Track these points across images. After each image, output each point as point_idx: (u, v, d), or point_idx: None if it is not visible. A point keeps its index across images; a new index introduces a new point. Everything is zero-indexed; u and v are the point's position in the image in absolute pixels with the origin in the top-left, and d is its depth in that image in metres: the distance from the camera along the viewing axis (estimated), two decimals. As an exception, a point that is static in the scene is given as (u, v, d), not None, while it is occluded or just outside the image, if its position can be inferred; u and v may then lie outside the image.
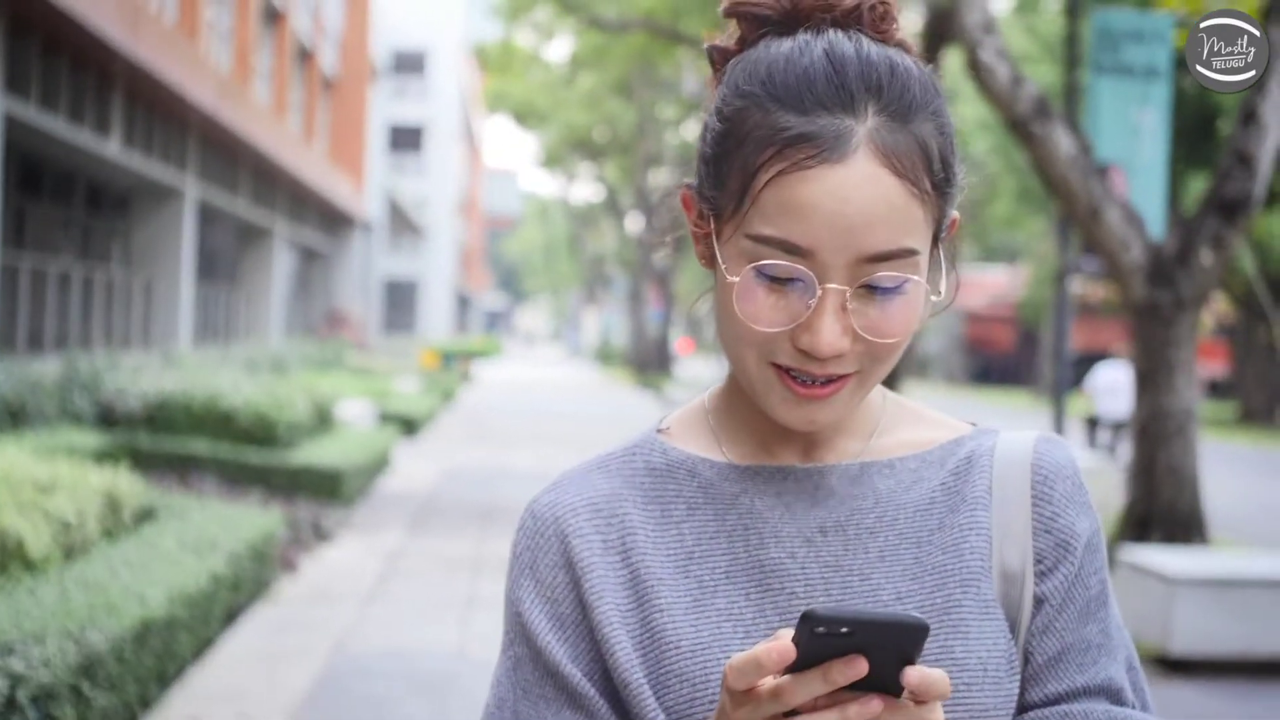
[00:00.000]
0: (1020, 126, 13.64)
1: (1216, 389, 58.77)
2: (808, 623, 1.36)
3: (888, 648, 1.38)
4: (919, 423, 1.82)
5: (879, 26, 1.65)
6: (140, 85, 23.97)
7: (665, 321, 65.94)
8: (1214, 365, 58.59)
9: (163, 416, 17.15)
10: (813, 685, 1.38)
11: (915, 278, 1.56)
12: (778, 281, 1.55)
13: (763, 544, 1.69)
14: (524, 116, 57.11)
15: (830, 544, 1.69)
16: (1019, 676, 1.68)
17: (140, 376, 18.62)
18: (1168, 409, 13.61)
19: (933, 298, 1.63)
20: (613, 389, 56.11)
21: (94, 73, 22.47)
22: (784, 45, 1.63)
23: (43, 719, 6.39)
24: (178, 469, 16.07)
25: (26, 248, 23.93)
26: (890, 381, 18.63)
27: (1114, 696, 1.70)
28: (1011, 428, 1.80)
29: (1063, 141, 13.53)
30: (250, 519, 11.92)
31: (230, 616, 10.56)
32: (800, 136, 1.54)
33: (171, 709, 8.28)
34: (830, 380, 1.60)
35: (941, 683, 1.40)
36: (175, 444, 16.52)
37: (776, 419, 1.65)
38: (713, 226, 1.64)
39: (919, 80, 1.62)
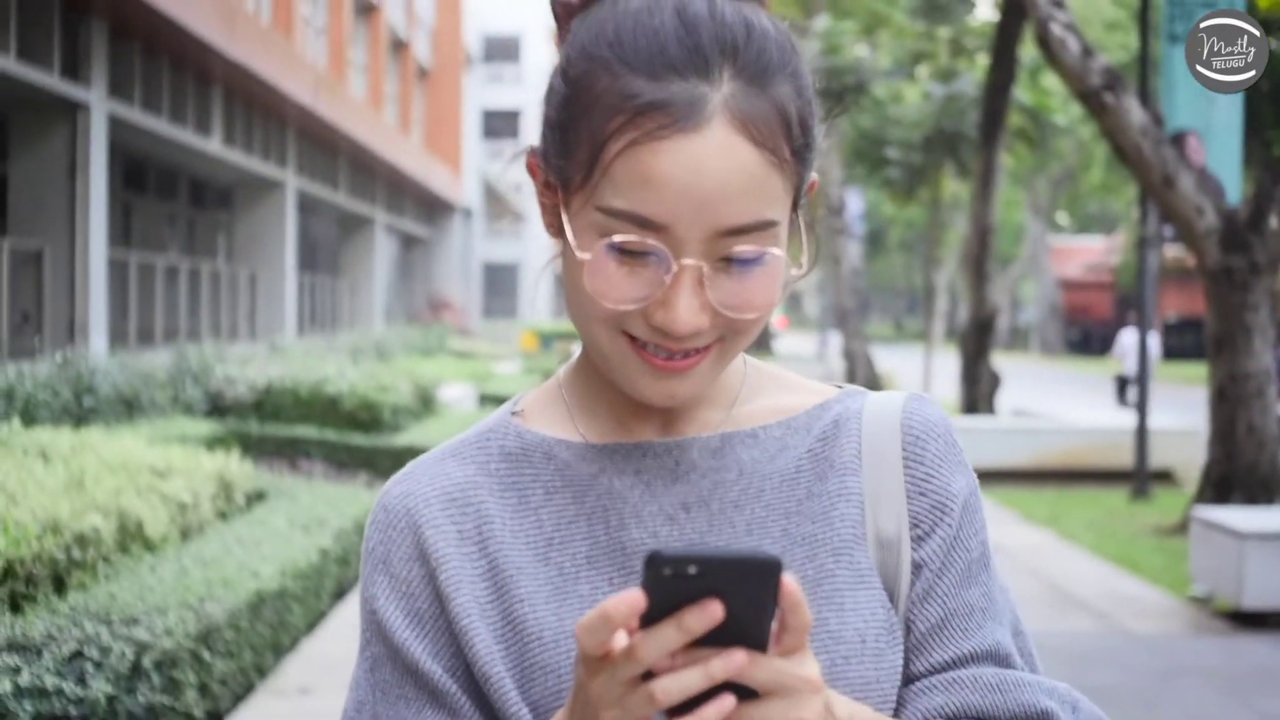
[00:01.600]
0: (1092, 98, 13.94)
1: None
2: (653, 565, 1.29)
3: (743, 590, 1.30)
4: (783, 389, 1.75)
5: None
6: (238, 83, 24.63)
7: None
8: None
9: (270, 403, 17.74)
10: (667, 636, 1.29)
11: (775, 250, 1.50)
12: (630, 255, 1.48)
13: (624, 525, 1.63)
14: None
15: (694, 520, 1.63)
16: (901, 647, 1.61)
17: (248, 366, 19.25)
18: (1246, 371, 13.91)
19: (793, 271, 1.56)
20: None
21: (193, 72, 23.12)
22: (633, 1, 1.54)
23: (165, 682, 6.91)
24: (286, 454, 16.61)
25: (134, 244, 24.65)
26: (980, 353, 18.90)
27: (1002, 661, 1.63)
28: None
29: (1134, 112, 13.82)
30: (356, 498, 12.46)
31: (339, 592, 11.09)
32: (652, 104, 1.46)
33: (286, 677, 8.81)
34: (689, 354, 1.54)
35: (805, 612, 1.32)
36: (283, 430, 17.07)
37: (634, 395, 1.59)
38: (560, 196, 1.58)
39: (776, 40, 1.54)
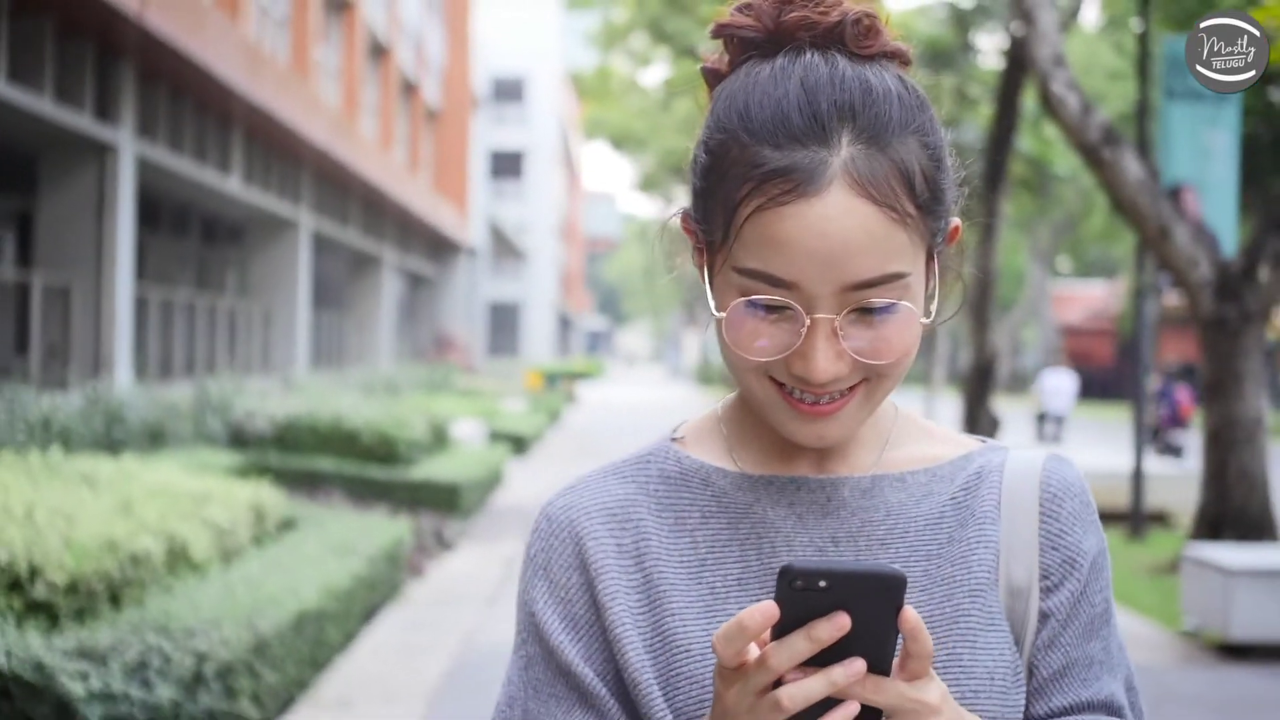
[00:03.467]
0: (1091, 153, 14.40)
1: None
2: (786, 577, 1.39)
3: (869, 604, 1.40)
4: (929, 438, 1.84)
5: (862, 42, 1.65)
6: (259, 125, 25.15)
7: (764, 341, 66.21)
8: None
9: (290, 436, 18.20)
10: (798, 646, 1.40)
11: (905, 303, 1.58)
12: (768, 310, 1.58)
13: (775, 553, 1.71)
14: (621, 142, 57.50)
15: (842, 554, 1.71)
16: (1024, 689, 1.71)
17: (267, 400, 19.75)
18: (1238, 417, 14.37)
19: (922, 320, 1.62)
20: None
21: (215, 114, 23.68)
22: (763, 72, 1.63)
23: (224, 690, 7.42)
24: (306, 485, 17.06)
25: (153, 280, 25.16)
26: (981, 397, 19.25)
27: (1115, 712, 1.73)
28: (1021, 448, 1.85)
29: (1131, 166, 14.25)
30: (382, 527, 12.99)
31: (367, 614, 11.59)
32: (775, 172, 1.56)
33: (324, 691, 9.33)
34: (834, 398, 1.63)
35: (926, 639, 1.44)
36: (303, 462, 17.54)
37: (786, 436, 1.68)
38: (705, 258, 1.69)
39: (899, 99, 1.62)
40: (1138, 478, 17.95)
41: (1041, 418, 32.70)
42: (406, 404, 24.32)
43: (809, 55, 1.62)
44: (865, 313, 1.57)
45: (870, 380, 1.62)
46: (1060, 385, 32.64)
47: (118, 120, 19.24)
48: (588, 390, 67.42)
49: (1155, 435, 30.10)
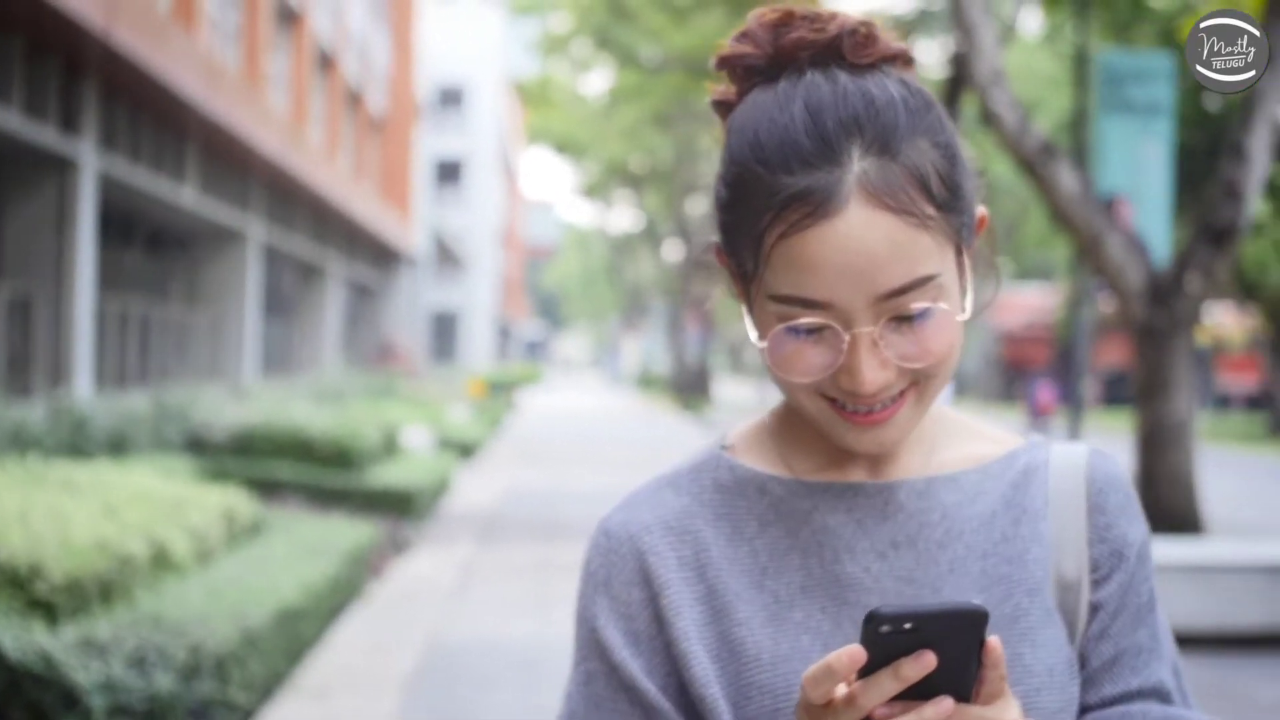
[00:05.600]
0: (1028, 166, 14.93)
1: (1253, 402, 59.12)
2: (872, 623, 1.40)
3: (953, 639, 1.42)
4: (974, 437, 1.84)
5: (860, 53, 1.65)
6: (213, 137, 25.46)
7: (705, 347, 66.53)
8: (1249, 379, 59.08)
9: (248, 444, 18.52)
10: (885, 685, 1.43)
11: (940, 305, 1.60)
12: (809, 333, 1.59)
13: (837, 559, 1.71)
14: (564, 148, 57.62)
15: (902, 558, 1.72)
16: (1078, 680, 1.74)
17: (223, 408, 20.11)
18: (1167, 419, 14.93)
19: (959, 317, 1.64)
20: (655, 414, 57.18)
21: (173, 127, 23.99)
22: (768, 99, 1.65)
23: (218, 680, 7.89)
24: (265, 492, 17.38)
25: (108, 290, 25.47)
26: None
27: (1164, 697, 1.76)
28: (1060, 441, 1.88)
29: (1066, 179, 14.78)
30: (346, 531, 13.49)
31: (335, 613, 12.04)
32: (792, 197, 1.57)
33: (303, 682, 9.81)
34: (886, 405, 1.64)
35: (1004, 666, 1.48)
36: (261, 469, 17.86)
37: (845, 448, 1.70)
38: (741, 288, 1.70)
39: (903, 104, 1.62)
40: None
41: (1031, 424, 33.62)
42: (354, 411, 24.68)
43: (810, 75, 1.64)
44: (903, 319, 1.59)
45: (919, 383, 1.64)
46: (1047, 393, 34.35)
47: (80, 134, 19.55)
48: (528, 397, 67.85)
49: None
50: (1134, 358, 15.45)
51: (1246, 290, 41.20)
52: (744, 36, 1.71)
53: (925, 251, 1.58)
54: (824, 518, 1.73)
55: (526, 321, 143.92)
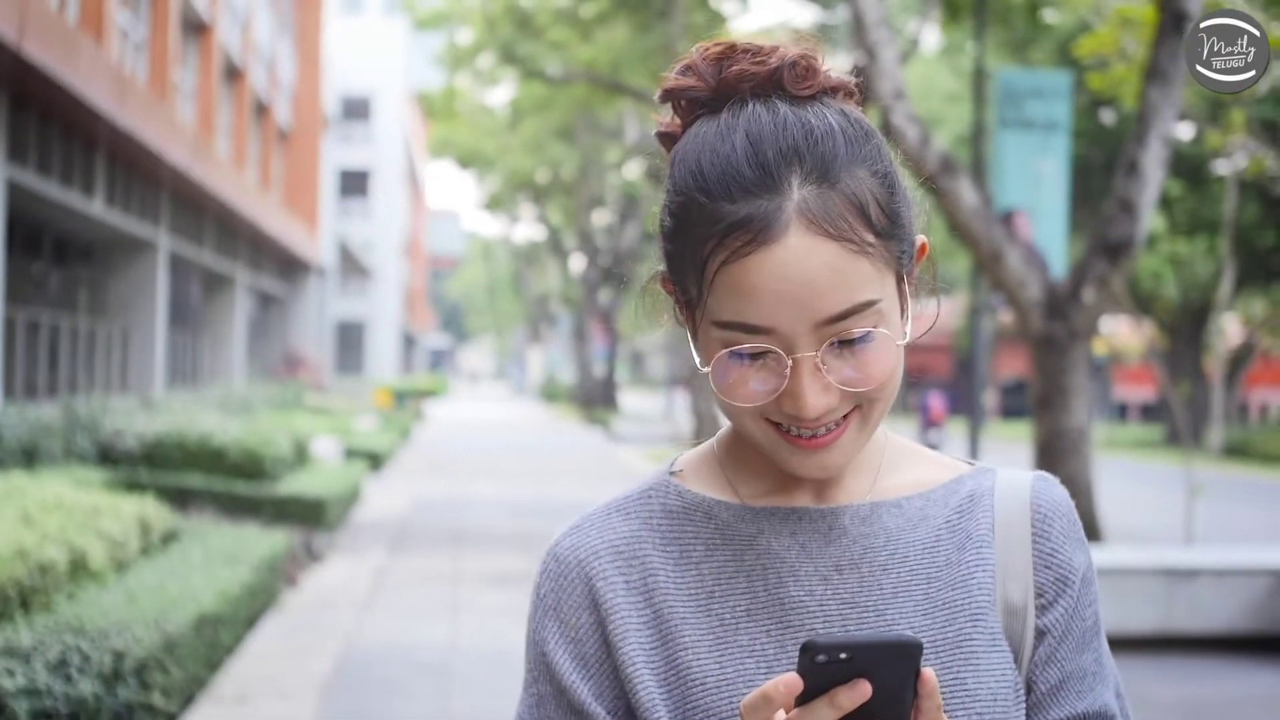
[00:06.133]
0: (929, 182, 15.17)
1: (1149, 412, 59.87)
2: (809, 652, 1.42)
3: (887, 670, 1.44)
4: (920, 463, 1.86)
5: (800, 85, 1.67)
6: (122, 148, 25.40)
7: (610, 358, 66.98)
8: (1145, 389, 59.88)
9: (159, 454, 18.59)
10: (821, 714, 1.44)
11: (880, 329, 1.61)
12: (752, 358, 1.61)
13: (781, 582, 1.73)
14: (468, 161, 57.55)
15: (846, 581, 1.73)
16: (1024, 705, 1.75)
17: (133, 418, 20.14)
18: (1065, 428, 15.31)
19: (897, 343, 1.65)
20: (560, 425, 57.67)
21: (82, 139, 23.94)
22: (710, 130, 1.66)
23: (140, 685, 8.05)
24: (177, 501, 17.43)
25: (16, 301, 25.39)
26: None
27: None
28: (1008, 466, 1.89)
29: (966, 194, 15.11)
30: (260, 539, 13.60)
31: (250, 620, 12.19)
32: (733, 225, 1.58)
33: (222, 688, 9.97)
34: (829, 429, 1.65)
35: (938, 695, 1.49)
36: (172, 478, 17.90)
37: (790, 472, 1.70)
38: (687, 315, 1.71)
39: (842, 134, 1.63)
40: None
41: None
42: (262, 422, 24.82)
43: (751, 106, 1.65)
44: (844, 344, 1.60)
45: (862, 407, 1.65)
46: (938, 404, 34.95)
47: (-13, 145, 19.55)
48: (434, 408, 67.96)
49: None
50: (1032, 368, 15.79)
51: (1142, 302, 41.94)
52: (688, 69, 1.71)
53: (865, 278, 1.59)
54: (769, 542, 1.75)
55: (431, 332, 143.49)
